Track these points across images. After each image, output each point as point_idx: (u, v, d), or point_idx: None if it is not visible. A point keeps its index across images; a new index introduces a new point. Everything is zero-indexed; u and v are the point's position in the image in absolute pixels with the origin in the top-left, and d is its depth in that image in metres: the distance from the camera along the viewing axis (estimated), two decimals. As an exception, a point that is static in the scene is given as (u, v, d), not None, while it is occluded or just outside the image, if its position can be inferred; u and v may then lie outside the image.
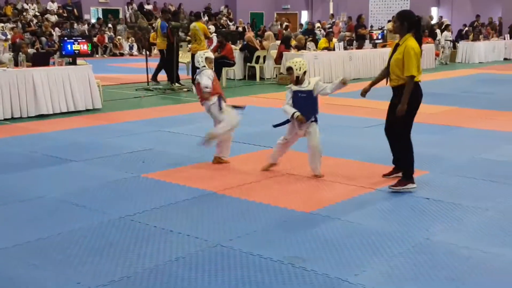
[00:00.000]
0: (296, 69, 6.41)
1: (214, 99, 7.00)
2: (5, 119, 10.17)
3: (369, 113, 10.83)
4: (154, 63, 15.28)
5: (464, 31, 26.30)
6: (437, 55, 22.40)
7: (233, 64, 15.92)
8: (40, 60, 11.15)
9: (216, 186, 6.12)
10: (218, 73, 15.48)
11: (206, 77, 6.90)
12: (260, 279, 3.92)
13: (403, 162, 6.05)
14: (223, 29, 26.92)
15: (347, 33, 22.45)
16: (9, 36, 23.16)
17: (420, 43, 5.86)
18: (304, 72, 6.46)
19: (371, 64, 18.09)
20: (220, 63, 15.45)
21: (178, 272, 4.03)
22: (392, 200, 5.62)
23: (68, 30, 26.34)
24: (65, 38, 11.54)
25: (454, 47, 24.39)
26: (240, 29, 28.88)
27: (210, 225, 4.97)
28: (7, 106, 10.22)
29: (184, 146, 7.91)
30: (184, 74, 16.03)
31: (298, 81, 6.44)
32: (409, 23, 5.88)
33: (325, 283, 3.85)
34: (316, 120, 6.50)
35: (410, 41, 5.84)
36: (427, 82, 16.36)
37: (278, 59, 16.50)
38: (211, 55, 7.23)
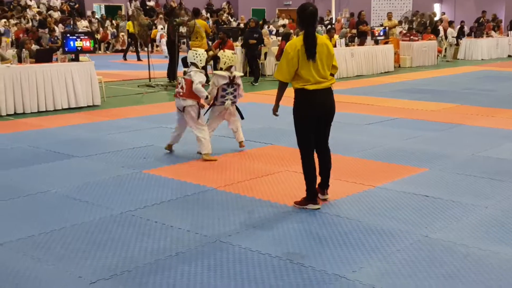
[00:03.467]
0: (222, 62, 7.38)
1: (193, 102, 7.14)
2: (8, 115, 10.24)
3: (370, 110, 10.88)
4: (156, 59, 15.27)
5: (470, 28, 26.25)
6: (439, 52, 22.41)
7: (234, 61, 15.92)
8: (43, 56, 11.21)
9: (216, 182, 6.17)
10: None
11: (202, 78, 7.15)
12: (258, 274, 3.96)
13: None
14: (224, 26, 26.93)
15: (349, 30, 22.46)
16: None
17: (307, 42, 5.02)
18: (229, 67, 7.45)
19: (373, 60, 18.13)
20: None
21: (178, 266, 4.09)
22: (391, 198, 5.66)
23: (71, 26, 26.37)
24: (68, 35, 11.59)
25: (457, 43, 24.41)
26: (242, 25, 28.87)
27: (210, 220, 5.02)
28: (10, 102, 10.31)
29: (184, 143, 7.95)
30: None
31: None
32: (300, 19, 5.11)
33: (322, 279, 3.90)
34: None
35: (293, 40, 5.12)
36: (429, 79, 16.45)
37: (279, 56, 16.52)
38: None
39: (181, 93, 7.13)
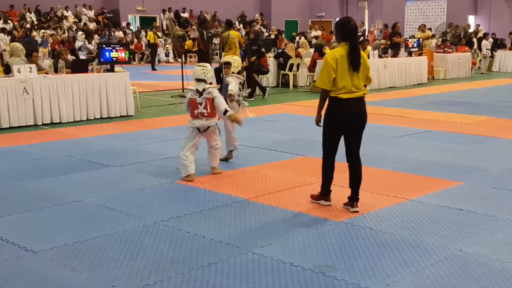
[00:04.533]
0: (234, 66, 7.41)
1: (215, 120, 6.92)
2: (44, 124, 10.43)
3: (404, 122, 10.79)
4: (190, 70, 15.35)
5: (500, 40, 25.90)
6: (473, 64, 22.14)
7: (267, 72, 16.00)
8: (79, 67, 11.40)
9: (248, 193, 6.18)
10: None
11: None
12: (290, 286, 3.95)
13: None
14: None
15: (382, 41, 22.35)
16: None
17: (353, 53, 5.29)
18: (239, 71, 7.52)
19: (406, 72, 17.99)
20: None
21: (210, 277, 4.10)
22: (425, 211, 5.60)
23: (106, 37, 26.81)
24: (103, 46, 11.77)
25: (492, 56, 24.10)
26: (272, 36, 28.96)
27: (242, 232, 5.02)
28: (46, 112, 10.50)
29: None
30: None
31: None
32: (342, 32, 5.38)
33: (355, 293, 3.87)
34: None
35: (332, 50, 5.45)
36: (463, 91, 16.24)
37: (312, 67, 16.53)
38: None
39: (206, 114, 6.75)
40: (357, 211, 5.54)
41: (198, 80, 6.87)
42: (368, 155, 7.86)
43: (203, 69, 6.87)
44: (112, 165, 7.42)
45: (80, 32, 25.79)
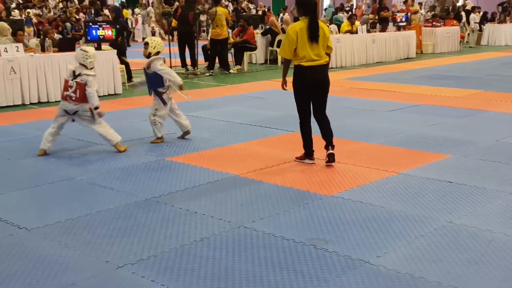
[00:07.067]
0: (151, 46, 7.30)
1: (87, 106, 6.79)
2: (32, 103, 10.36)
3: (393, 96, 10.82)
4: (176, 48, 15.24)
5: (492, 14, 25.88)
6: (462, 37, 22.15)
7: (254, 49, 15.93)
8: (66, 45, 11.31)
9: (238, 169, 6.20)
10: (240, 57, 15.51)
11: (96, 86, 6.80)
12: (282, 259, 3.99)
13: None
14: (244, 13, 26.87)
15: (370, 16, 22.26)
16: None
17: (312, 27, 5.94)
18: (157, 52, 7.30)
19: (394, 47, 17.98)
20: (242, 47, 15.49)
21: (202, 252, 4.13)
22: (415, 184, 5.65)
23: (92, 15, 26.51)
24: (90, 24, 11.67)
25: (480, 29, 24.11)
26: (260, 13, 28.77)
27: (233, 207, 5.05)
28: (33, 91, 10.42)
29: (206, 130, 8.00)
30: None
31: (149, 57, 7.30)
32: (303, 8, 6.04)
33: (346, 264, 3.92)
34: (157, 93, 7.31)
35: (294, 24, 6.12)
36: (452, 65, 16.28)
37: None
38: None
39: (73, 98, 6.69)
40: (332, 153, 6.19)
41: (80, 64, 6.76)
42: (358, 130, 7.91)
43: (83, 54, 6.72)
44: (101, 143, 7.40)
45: None
